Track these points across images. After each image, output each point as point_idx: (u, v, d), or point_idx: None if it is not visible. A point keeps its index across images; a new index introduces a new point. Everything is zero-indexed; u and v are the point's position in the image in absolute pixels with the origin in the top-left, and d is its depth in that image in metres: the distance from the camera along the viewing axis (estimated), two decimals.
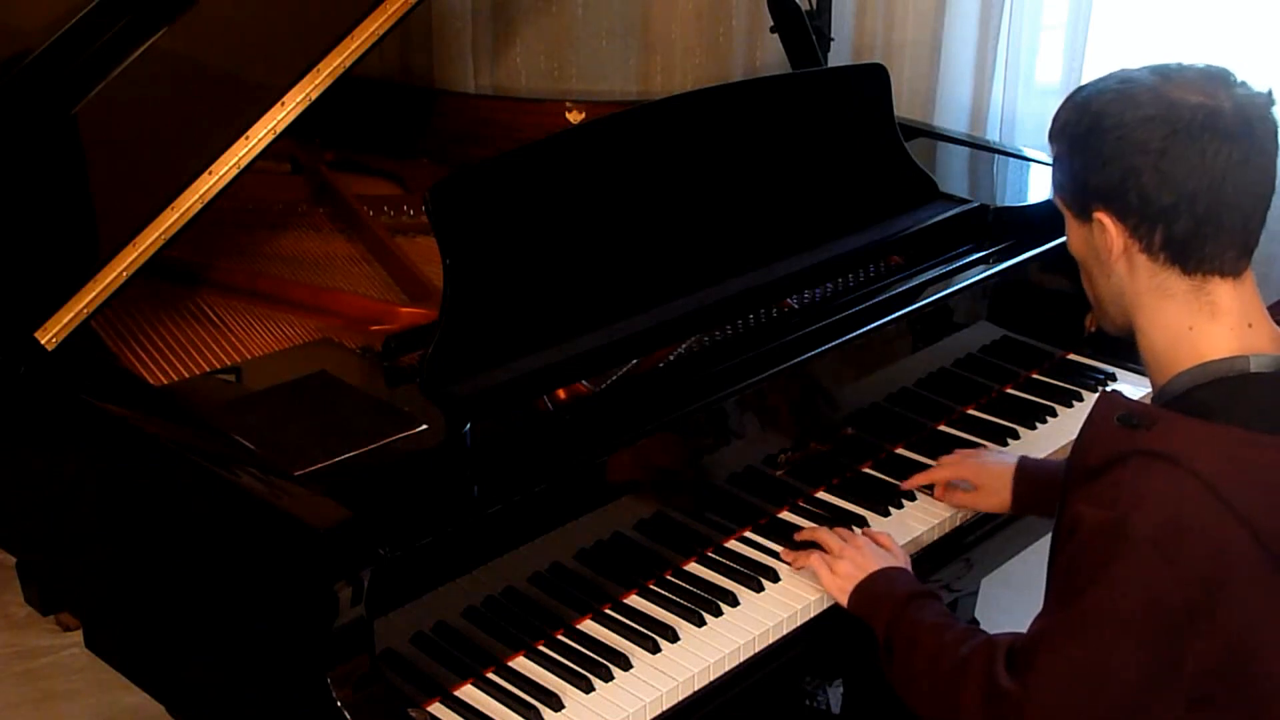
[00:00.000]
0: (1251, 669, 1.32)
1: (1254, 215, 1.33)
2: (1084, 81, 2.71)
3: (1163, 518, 1.27)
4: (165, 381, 1.85)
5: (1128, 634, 1.28)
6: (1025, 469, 1.81)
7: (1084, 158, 1.37)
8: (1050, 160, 2.45)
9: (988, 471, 1.84)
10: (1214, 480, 1.27)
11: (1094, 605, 1.30)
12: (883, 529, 1.84)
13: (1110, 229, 1.36)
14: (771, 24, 2.60)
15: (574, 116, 2.76)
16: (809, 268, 1.99)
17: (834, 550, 1.69)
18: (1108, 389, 1.47)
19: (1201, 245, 1.33)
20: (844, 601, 1.65)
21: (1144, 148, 1.31)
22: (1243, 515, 1.27)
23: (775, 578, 1.74)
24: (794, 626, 1.69)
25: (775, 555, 1.77)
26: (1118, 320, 1.45)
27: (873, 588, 1.63)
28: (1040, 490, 1.78)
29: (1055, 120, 1.42)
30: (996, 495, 1.82)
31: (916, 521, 1.86)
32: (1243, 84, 1.34)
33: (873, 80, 2.15)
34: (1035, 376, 2.22)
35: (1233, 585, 1.28)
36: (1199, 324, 1.36)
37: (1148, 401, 1.82)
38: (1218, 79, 1.34)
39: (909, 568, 1.70)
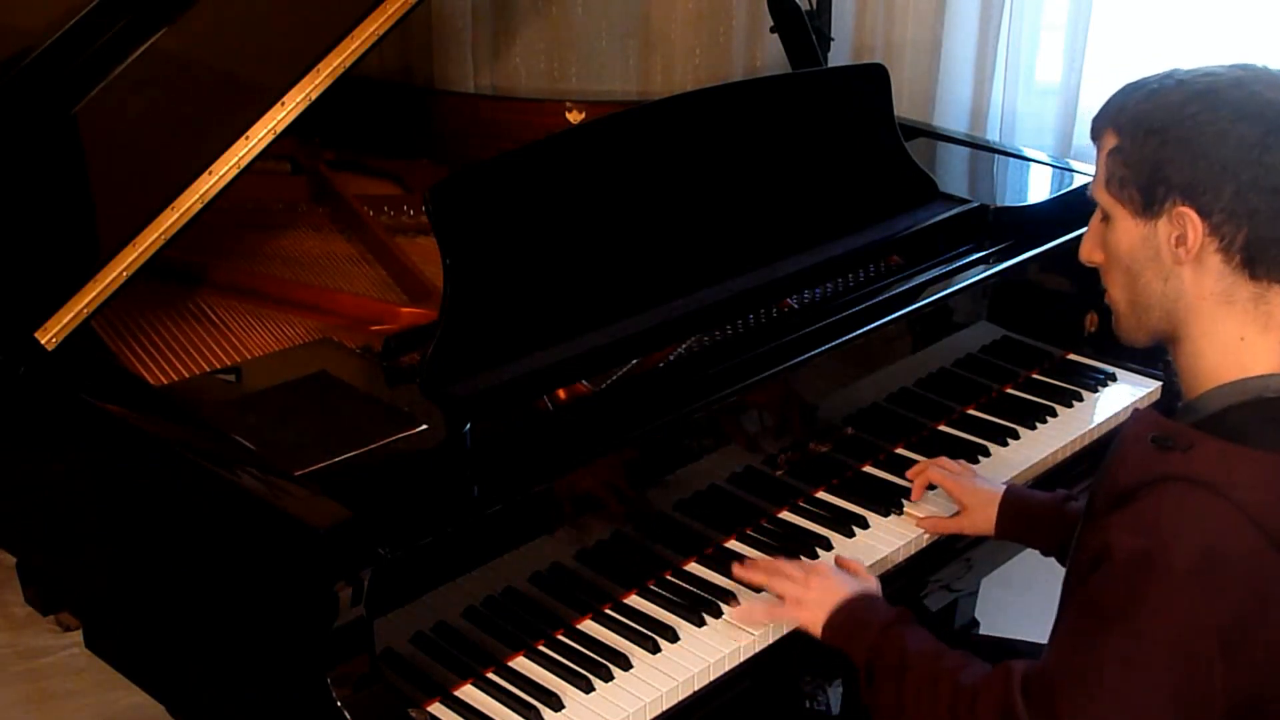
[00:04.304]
0: None
1: None
2: (1084, 81, 2.75)
3: (1201, 548, 1.23)
4: (165, 381, 1.85)
5: (1161, 666, 1.24)
6: (1011, 498, 1.79)
7: (1167, 149, 1.31)
8: (1051, 160, 2.50)
9: (974, 494, 1.82)
10: (1252, 509, 1.24)
11: (1127, 635, 1.26)
12: (883, 528, 1.84)
13: (1194, 224, 1.31)
14: (771, 24, 2.61)
15: (574, 116, 2.76)
16: (809, 268, 1.99)
17: (794, 591, 1.62)
18: (1139, 408, 1.43)
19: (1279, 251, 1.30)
20: (818, 633, 1.59)
21: (1244, 143, 1.28)
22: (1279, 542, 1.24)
23: None
24: (794, 626, 1.68)
25: (775, 556, 1.77)
26: (1160, 328, 1.39)
27: (849, 615, 1.57)
28: (1025, 520, 1.77)
29: (1118, 112, 1.36)
30: (982, 518, 1.80)
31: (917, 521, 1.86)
32: None
33: (873, 80, 2.15)
34: (1035, 376, 2.22)
35: (1269, 615, 1.25)
36: (1251, 335, 1.33)
37: (1153, 400, 1.81)
38: None
39: (878, 590, 1.64)
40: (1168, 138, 1.31)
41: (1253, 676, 1.26)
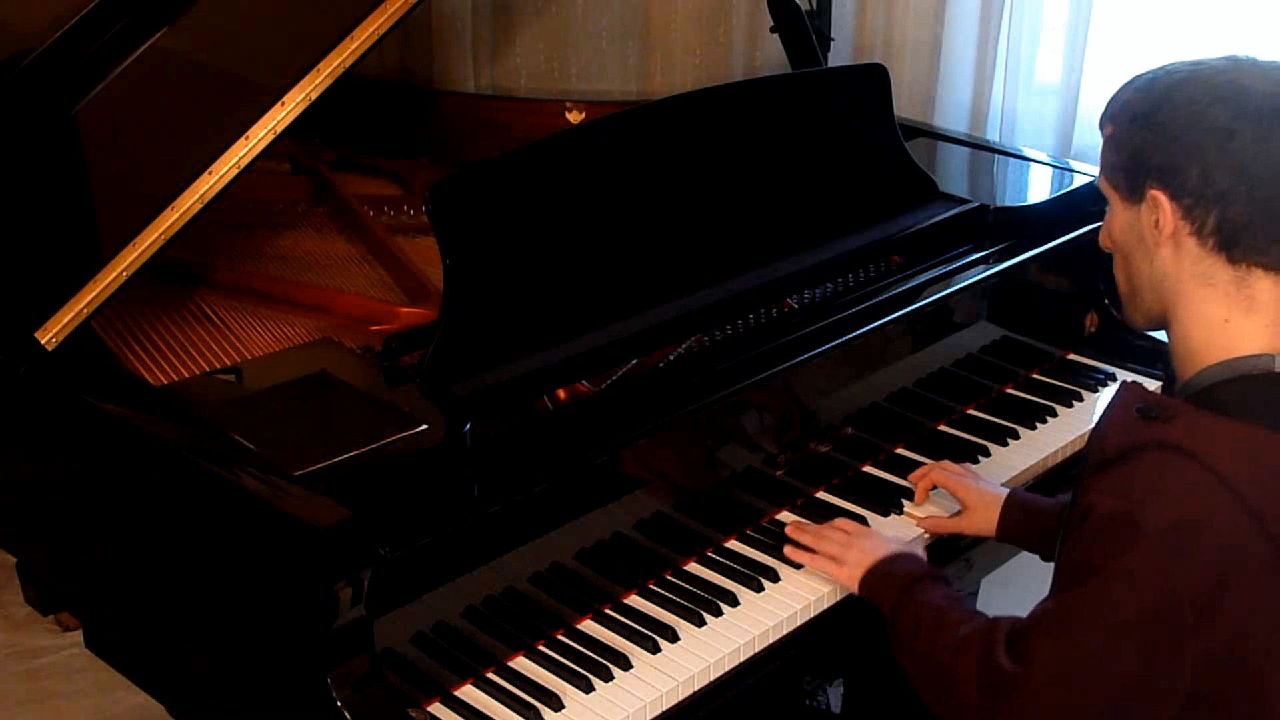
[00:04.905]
0: (1253, 670, 1.31)
1: None
2: (1084, 81, 2.75)
3: (1176, 513, 1.26)
4: (165, 381, 1.84)
5: (1131, 626, 1.28)
6: (1014, 500, 1.80)
7: (1146, 134, 1.35)
8: (1051, 160, 2.50)
9: (978, 494, 1.83)
10: (1230, 477, 1.27)
11: (1099, 595, 1.29)
12: (883, 528, 1.84)
13: (1165, 207, 1.35)
14: (771, 24, 2.60)
15: (574, 116, 2.76)
16: (809, 268, 1.99)
17: (836, 550, 1.70)
18: (1126, 380, 1.46)
19: (1253, 235, 1.32)
20: (855, 588, 1.66)
21: (1212, 125, 1.30)
22: (1257, 513, 1.26)
23: (775, 578, 1.74)
24: (794, 626, 1.69)
25: (776, 555, 1.77)
26: (1153, 309, 1.43)
27: (882, 570, 1.64)
28: (1027, 524, 1.78)
29: (1113, 102, 1.41)
30: (984, 518, 1.81)
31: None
32: None
33: (873, 80, 2.15)
34: (1035, 376, 2.22)
35: (1241, 584, 1.27)
36: (1235, 317, 1.36)
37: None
38: None
39: (922, 554, 1.71)
40: (1148, 123, 1.36)
41: (1226, 640, 1.28)
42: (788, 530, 1.79)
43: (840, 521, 1.78)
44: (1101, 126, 1.44)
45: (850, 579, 1.67)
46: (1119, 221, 1.43)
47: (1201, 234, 1.34)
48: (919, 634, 1.52)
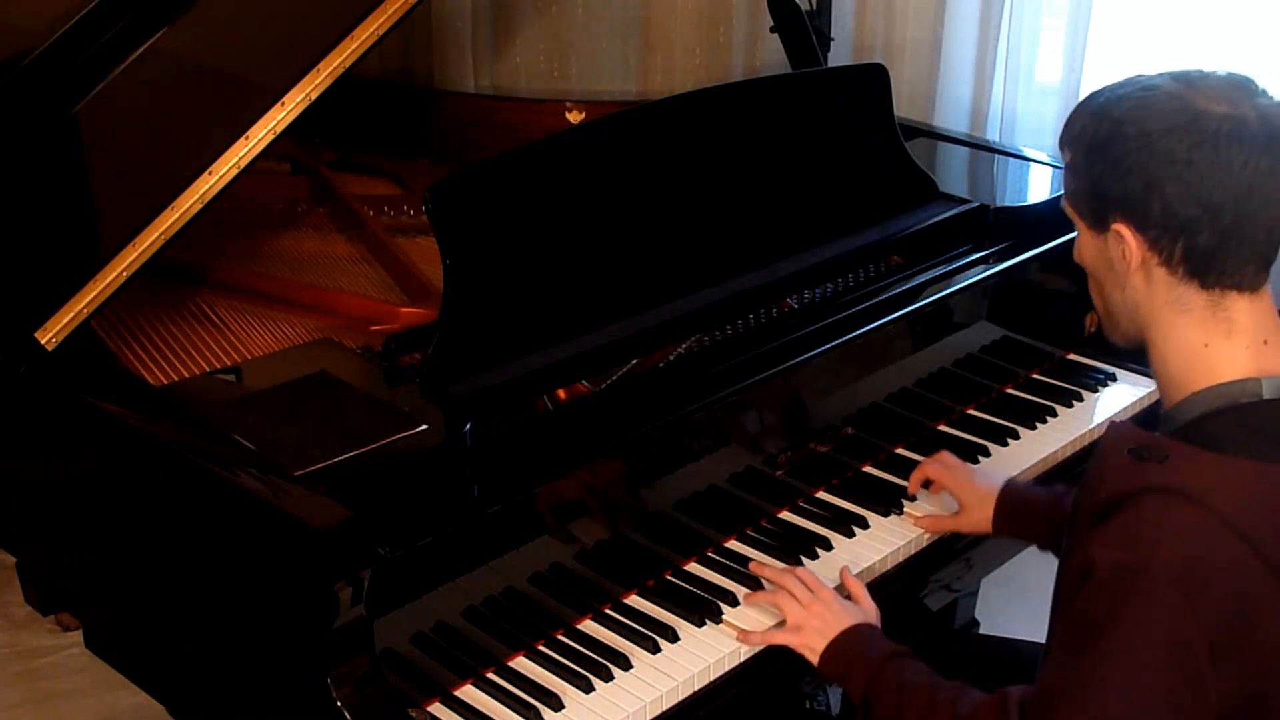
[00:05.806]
0: (1273, 706, 1.28)
1: (1276, 228, 1.30)
2: (1084, 81, 2.75)
3: (1183, 556, 1.23)
4: (165, 381, 1.85)
5: (1152, 677, 1.24)
6: (1008, 494, 1.79)
7: (1104, 166, 1.32)
8: (1051, 160, 2.50)
9: (972, 490, 1.81)
10: (1232, 515, 1.24)
11: (1116, 649, 1.25)
12: (883, 528, 1.84)
13: (1129, 240, 1.32)
14: (771, 24, 2.61)
15: (574, 116, 2.76)
16: (809, 268, 1.99)
17: (796, 615, 1.62)
18: (1113, 420, 1.43)
19: (1223, 259, 1.30)
20: (814, 661, 1.59)
21: (1169, 158, 1.27)
22: (1260, 549, 1.24)
23: None
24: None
25: (776, 556, 1.77)
26: (1129, 333, 1.41)
27: (846, 648, 1.58)
28: (1022, 517, 1.77)
29: (1070, 126, 1.38)
30: (980, 515, 1.80)
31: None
32: (1264, 92, 1.31)
33: (873, 80, 2.15)
34: (1035, 376, 2.22)
35: (1256, 621, 1.25)
36: (1215, 341, 1.33)
37: (1153, 400, 1.79)
38: (1242, 88, 1.30)
39: (877, 619, 1.63)
40: (1105, 154, 1.32)
41: (1245, 679, 1.26)
42: (744, 598, 1.70)
43: (799, 573, 1.68)
44: (1061, 150, 1.41)
45: (810, 649, 1.59)
46: (1087, 249, 1.40)
47: (1170, 263, 1.32)
48: (904, 714, 1.46)
